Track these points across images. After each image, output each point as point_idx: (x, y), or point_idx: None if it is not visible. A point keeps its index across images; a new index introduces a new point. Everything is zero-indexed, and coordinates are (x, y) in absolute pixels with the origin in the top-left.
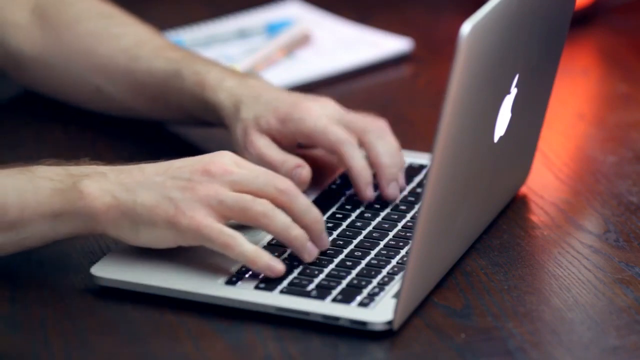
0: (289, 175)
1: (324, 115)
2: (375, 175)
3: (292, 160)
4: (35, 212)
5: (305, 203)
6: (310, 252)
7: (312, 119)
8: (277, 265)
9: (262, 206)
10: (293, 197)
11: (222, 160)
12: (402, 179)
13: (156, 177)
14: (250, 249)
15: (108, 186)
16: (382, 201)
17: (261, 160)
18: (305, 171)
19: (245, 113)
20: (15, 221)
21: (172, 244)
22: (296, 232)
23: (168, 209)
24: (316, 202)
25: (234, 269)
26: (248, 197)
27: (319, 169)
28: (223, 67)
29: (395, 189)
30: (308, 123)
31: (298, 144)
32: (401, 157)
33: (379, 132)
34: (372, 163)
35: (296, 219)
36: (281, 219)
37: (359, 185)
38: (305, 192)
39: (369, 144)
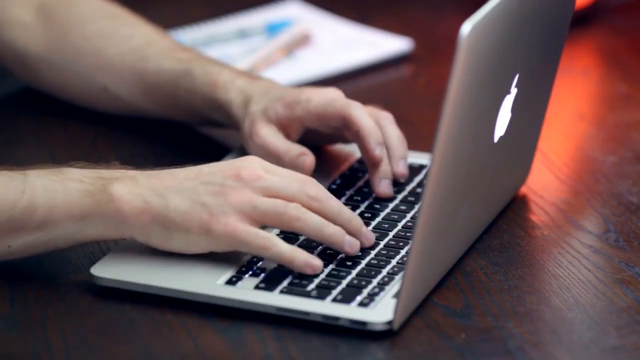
0: (293, 163)
1: (329, 93)
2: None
3: (296, 149)
4: (64, 213)
5: (336, 205)
6: (352, 244)
7: (319, 97)
8: (315, 262)
9: (296, 210)
10: (324, 201)
11: (253, 166)
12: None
13: (187, 182)
14: (287, 248)
15: (139, 190)
16: (382, 201)
17: (265, 149)
18: (309, 159)
19: (253, 107)
20: (44, 221)
21: (205, 250)
22: (331, 230)
23: (202, 215)
24: None
25: (234, 268)
26: (280, 202)
27: (326, 163)
28: (233, 68)
29: (404, 167)
30: (315, 102)
31: (305, 132)
32: (406, 146)
33: (390, 119)
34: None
35: (331, 221)
36: (314, 220)
37: (370, 145)
38: None
39: (382, 125)
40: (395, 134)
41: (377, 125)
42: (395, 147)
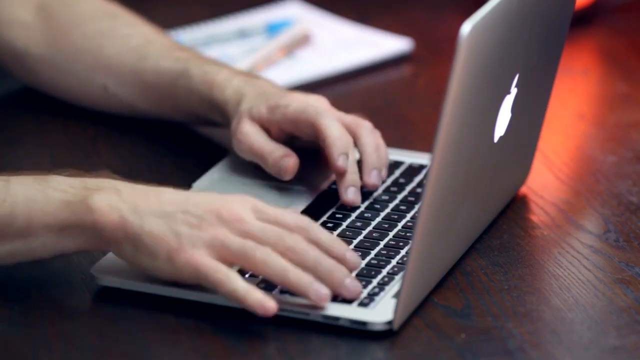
0: (276, 164)
1: (311, 104)
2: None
3: (280, 150)
4: (42, 222)
5: (314, 256)
6: (318, 292)
7: (297, 104)
8: (269, 304)
9: (262, 253)
10: (300, 252)
11: (240, 206)
12: (384, 173)
13: (169, 206)
14: (242, 286)
15: (118, 204)
16: (382, 201)
17: (249, 148)
18: (292, 161)
19: (243, 106)
20: (23, 230)
21: (169, 278)
22: (296, 276)
23: (171, 242)
24: (316, 202)
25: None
26: (250, 244)
27: (323, 164)
28: (232, 68)
29: (376, 178)
30: (291, 108)
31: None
32: (386, 154)
33: (369, 128)
34: (359, 151)
35: (312, 271)
36: (280, 264)
37: (333, 154)
38: (303, 193)
39: (359, 135)
40: (370, 143)
41: (354, 133)
42: (368, 157)
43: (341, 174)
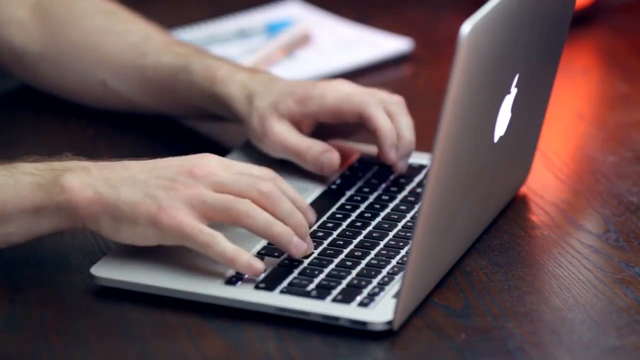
0: (318, 160)
1: (343, 89)
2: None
3: (318, 145)
4: (17, 207)
5: (288, 206)
6: (298, 246)
7: (333, 92)
8: (257, 264)
9: (244, 205)
10: (277, 200)
11: (208, 162)
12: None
13: (140, 174)
14: (230, 247)
15: (90, 180)
16: (382, 201)
17: (283, 147)
18: (336, 155)
19: (260, 102)
20: None
21: (152, 242)
22: (279, 229)
23: (151, 207)
24: (317, 201)
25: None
26: (230, 198)
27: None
28: (233, 63)
29: (405, 164)
30: (329, 96)
31: (318, 126)
32: (413, 137)
33: (401, 105)
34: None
35: (284, 220)
36: (263, 217)
37: (385, 146)
38: (306, 190)
39: (394, 115)
40: (407, 124)
41: (391, 113)
42: (406, 140)
43: (392, 165)
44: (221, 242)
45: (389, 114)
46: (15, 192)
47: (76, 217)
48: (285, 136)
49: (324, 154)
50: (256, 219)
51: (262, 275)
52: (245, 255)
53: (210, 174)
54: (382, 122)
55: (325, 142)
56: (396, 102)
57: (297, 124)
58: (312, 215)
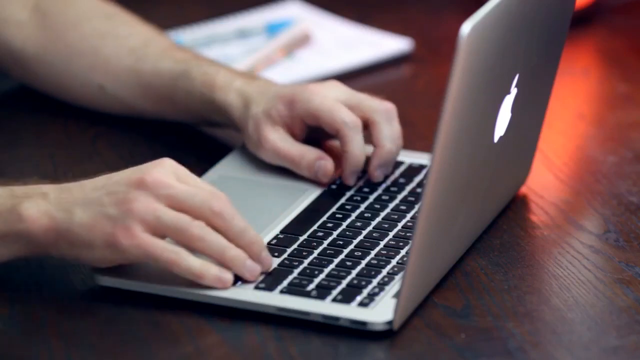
0: (311, 168)
1: (331, 96)
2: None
3: (311, 152)
4: None
5: (240, 225)
6: (251, 270)
7: (319, 99)
8: (225, 276)
9: (198, 229)
10: (228, 219)
11: (161, 170)
12: (391, 165)
13: (94, 192)
14: (196, 263)
15: (46, 207)
16: (382, 201)
17: (277, 155)
18: (329, 163)
19: (254, 109)
20: None
21: (114, 263)
22: (232, 253)
23: (106, 227)
24: (316, 201)
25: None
26: (185, 218)
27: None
28: (231, 69)
29: (381, 174)
30: (314, 102)
31: (308, 130)
32: (400, 145)
33: (387, 114)
34: (374, 143)
35: (232, 241)
36: (216, 242)
37: (346, 170)
38: (306, 191)
39: (376, 124)
40: (389, 135)
41: (374, 123)
42: (385, 151)
43: (347, 183)
44: (187, 259)
45: (371, 122)
46: None
47: (36, 246)
48: (279, 145)
49: (317, 161)
50: (209, 244)
51: (262, 275)
52: (213, 269)
53: (162, 184)
54: (352, 147)
55: (319, 150)
56: (382, 111)
57: (289, 127)
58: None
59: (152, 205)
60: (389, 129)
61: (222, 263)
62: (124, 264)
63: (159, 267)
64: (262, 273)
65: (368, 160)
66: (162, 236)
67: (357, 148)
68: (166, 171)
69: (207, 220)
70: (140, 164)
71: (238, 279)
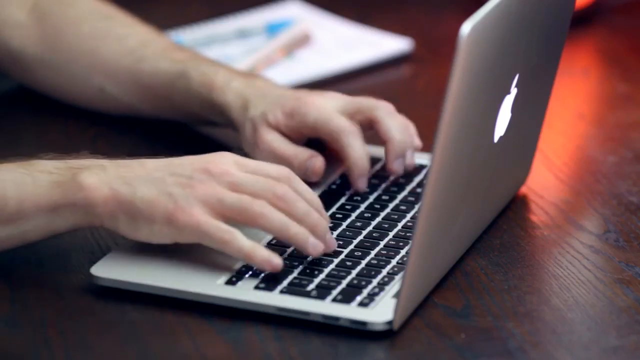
0: (303, 167)
1: (327, 107)
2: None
3: (304, 152)
4: (34, 204)
5: (304, 207)
6: (315, 246)
7: (316, 111)
8: (275, 260)
9: (260, 207)
10: (291, 202)
11: (223, 160)
12: (410, 156)
13: (156, 172)
14: (247, 244)
15: (107, 178)
16: (382, 201)
17: (273, 155)
18: (319, 161)
19: (253, 111)
20: (15, 214)
21: (169, 240)
22: (295, 229)
23: (167, 204)
24: None
25: (234, 268)
26: (247, 198)
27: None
28: (230, 68)
29: (400, 165)
30: (311, 116)
31: (307, 139)
32: (412, 134)
33: (388, 109)
34: (382, 138)
35: (299, 221)
36: (278, 218)
37: (353, 175)
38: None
39: (379, 119)
40: (395, 125)
41: (376, 119)
42: (395, 142)
43: (359, 190)
44: (239, 239)
45: (374, 120)
46: (33, 191)
47: (93, 216)
48: (275, 145)
49: (309, 160)
50: (272, 220)
51: (262, 275)
52: (263, 251)
53: (226, 172)
54: (351, 151)
55: (312, 150)
56: (382, 106)
57: (286, 134)
58: (325, 214)
59: (215, 189)
60: (394, 121)
61: (285, 239)
62: (180, 242)
63: (212, 246)
64: (327, 255)
65: (370, 161)
66: (224, 219)
67: (357, 152)
68: (229, 161)
69: (270, 204)
70: None
71: (238, 279)
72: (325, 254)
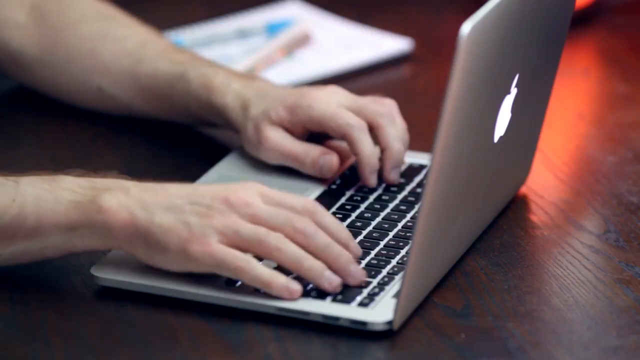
0: (316, 164)
1: (332, 101)
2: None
3: (315, 149)
4: (53, 223)
5: (323, 240)
6: (331, 281)
7: (321, 105)
8: (293, 286)
9: (276, 240)
10: (310, 236)
11: (246, 192)
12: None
13: (177, 199)
14: (264, 272)
15: (127, 202)
16: (382, 201)
17: (280, 153)
18: (334, 158)
19: (254, 111)
20: (33, 231)
21: (184, 269)
22: (309, 263)
23: (182, 233)
24: (317, 201)
25: None
26: (263, 230)
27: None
28: (229, 70)
29: (396, 175)
30: (317, 109)
31: (309, 134)
32: (407, 140)
33: (390, 115)
34: (382, 145)
35: (316, 257)
36: (293, 252)
37: (365, 172)
38: (306, 190)
39: (381, 127)
40: (396, 135)
41: (378, 126)
42: (395, 152)
43: (370, 186)
44: (256, 267)
45: (376, 126)
46: (52, 208)
47: (111, 239)
48: (282, 142)
49: (323, 156)
50: (286, 254)
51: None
52: (281, 278)
53: (247, 204)
54: (364, 147)
55: (321, 146)
56: (385, 113)
57: (289, 131)
58: (356, 246)
59: (233, 220)
60: (395, 129)
61: (299, 274)
62: (193, 272)
63: (228, 276)
64: (354, 286)
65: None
66: (240, 250)
67: (368, 148)
68: (251, 192)
69: (289, 237)
70: (140, 164)
71: (238, 279)
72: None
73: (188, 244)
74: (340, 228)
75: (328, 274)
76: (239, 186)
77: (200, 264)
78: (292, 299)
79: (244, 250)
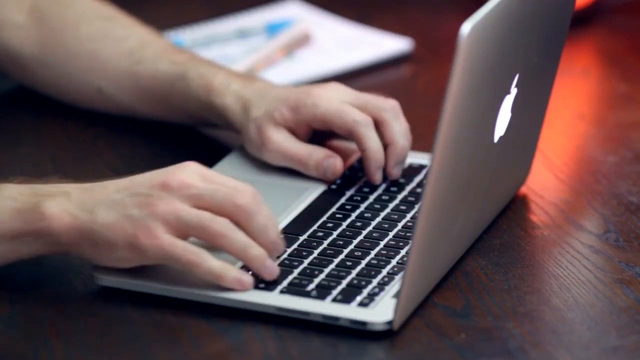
0: (320, 167)
1: (336, 98)
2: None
3: (319, 151)
4: None
5: (262, 222)
6: (271, 270)
7: (325, 103)
8: (244, 278)
9: (220, 225)
10: (251, 214)
11: (184, 173)
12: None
13: (116, 194)
14: (216, 265)
15: (68, 206)
16: (382, 201)
17: (283, 156)
18: (338, 161)
19: (255, 112)
20: None
21: (135, 264)
22: (253, 252)
23: (127, 228)
24: (316, 201)
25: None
26: (206, 215)
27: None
28: (228, 70)
29: (399, 170)
30: (322, 107)
31: (313, 132)
32: (410, 139)
33: (394, 111)
34: (386, 141)
35: (252, 237)
36: (238, 239)
37: (371, 168)
38: (306, 190)
39: (386, 122)
40: (400, 131)
41: (383, 121)
42: (399, 147)
43: (376, 182)
44: (207, 260)
45: (380, 121)
46: None
47: (57, 244)
48: (285, 145)
49: (326, 159)
50: (232, 241)
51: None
52: (232, 271)
53: (186, 185)
54: (371, 143)
55: (325, 148)
56: (389, 109)
57: (293, 130)
58: (282, 240)
59: (174, 206)
60: (399, 126)
61: (243, 261)
62: (145, 264)
63: (179, 268)
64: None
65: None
66: (186, 236)
67: (375, 144)
68: (190, 173)
69: (231, 216)
70: (139, 164)
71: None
72: (325, 254)
73: (135, 239)
74: (272, 217)
75: (269, 263)
76: (177, 168)
77: (151, 258)
78: (243, 290)
79: (189, 236)
